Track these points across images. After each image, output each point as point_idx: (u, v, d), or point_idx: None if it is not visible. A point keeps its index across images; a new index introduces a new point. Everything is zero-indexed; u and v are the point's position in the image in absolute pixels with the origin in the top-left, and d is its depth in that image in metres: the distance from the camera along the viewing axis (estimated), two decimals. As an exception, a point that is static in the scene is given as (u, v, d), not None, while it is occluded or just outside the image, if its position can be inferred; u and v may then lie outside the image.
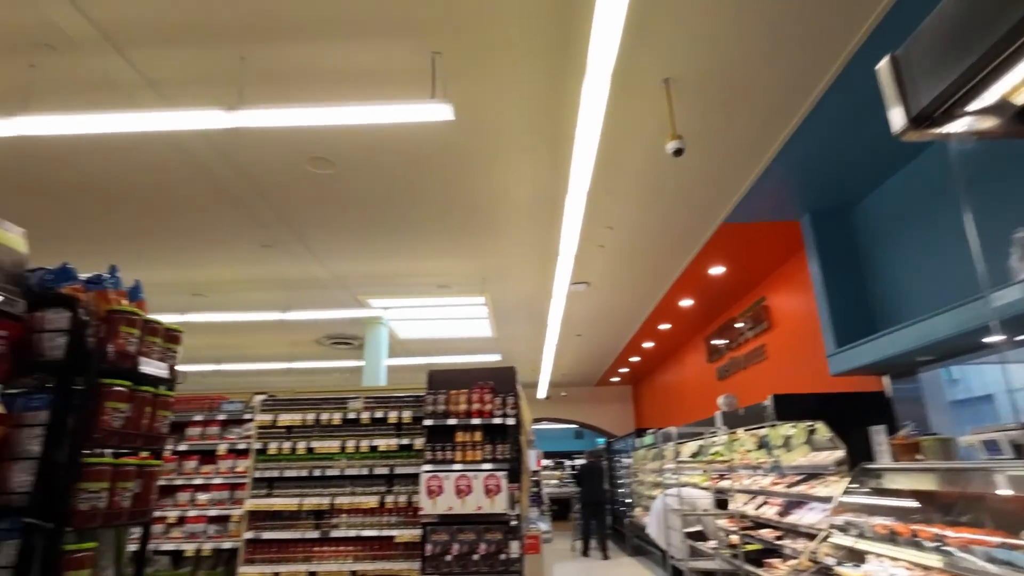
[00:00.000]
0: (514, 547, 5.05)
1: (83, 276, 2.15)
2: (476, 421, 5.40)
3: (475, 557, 4.98)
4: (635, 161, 5.97)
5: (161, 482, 5.80)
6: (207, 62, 4.46)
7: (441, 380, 5.70)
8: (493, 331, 12.58)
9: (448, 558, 4.99)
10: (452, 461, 5.29)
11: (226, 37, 4.22)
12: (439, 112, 4.30)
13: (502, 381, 5.64)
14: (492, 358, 15.22)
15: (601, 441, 28.01)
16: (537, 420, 20.18)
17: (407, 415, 5.76)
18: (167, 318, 2.46)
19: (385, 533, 5.45)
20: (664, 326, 12.47)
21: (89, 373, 1.93)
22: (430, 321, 11.86)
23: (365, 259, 8.55)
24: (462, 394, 5.52)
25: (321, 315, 10.18)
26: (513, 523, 5.08)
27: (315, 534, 5.49)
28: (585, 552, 11.73)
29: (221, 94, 4.67)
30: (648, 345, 14.27)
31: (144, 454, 2.27)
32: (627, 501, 13.18)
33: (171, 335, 2.36)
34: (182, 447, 5.89)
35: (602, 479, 12.45)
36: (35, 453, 1.82)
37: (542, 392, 18.74)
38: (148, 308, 2.25)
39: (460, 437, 5.40)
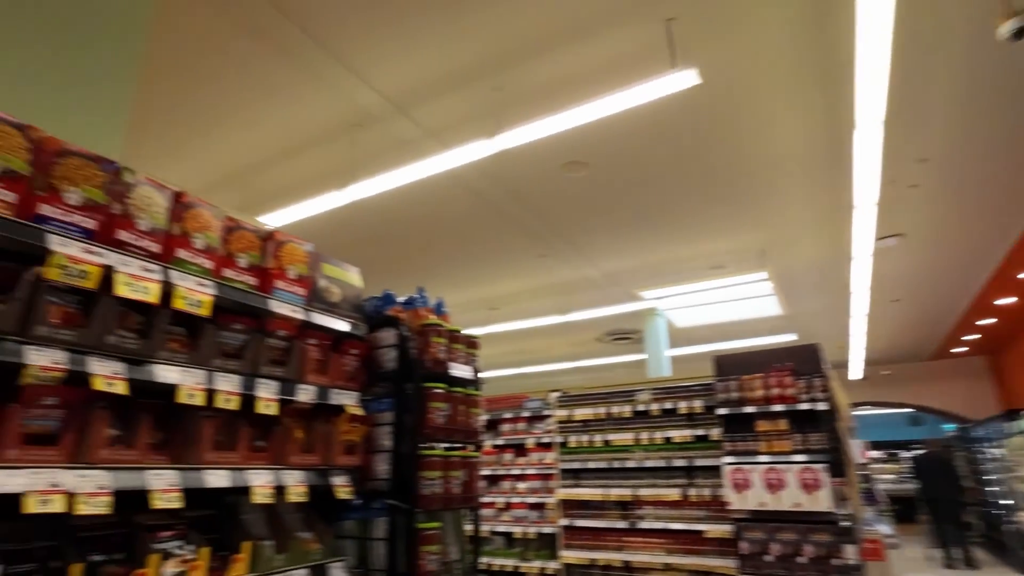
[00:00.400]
0: (849, 551, 4.34)
1: (400, 299, 2.62)
2: (778, 408, 4.84)
3: (801, 560, 4.44)
4: (949, 66, 4.66)
5: (486, 472, 6.68)
6: (469, 101, 5.03)
7: (730, 365, 5.28)
8: (783, 308, 11.27)
9: (768, 558, 4.56)
10: (756, 452, 4.84)
11: (481, 73, 4.70)
12: (684, 79, 4.03)
13: (804, 361, 4.95)
14: (786, 338, 13.65)
15: (949, 427, 22.59)
16: (856, 405, 17.29)
17: (698, 404, 5.50)
18: (473, 331, 2.80)
19: (693, 527, 5.27)
20: (1029, 274, 9.46)
21: (415, 379, 2.32)
22: (709, 306, 11.23)
23: (633, 252, 8.56)
24: (756, 379, 5.02)
25: (597, 313, 10.55)
26: (844, 523, 4.37)
27: (623, 524, 5.62)
28: (949, 564, 9.52)
29: (483, 125, 5.21)
30: (1007, 301, 10.99)
31: (466, 447, 2.63)
32: (1004, 502, 10.27)
33: (471, 342, 2.69)
34: (499, 441, 6.68)
35: (951, 472, 9.93)
36: (387, 447, 2.26)
37: (856, 372, 16.03)
38: (455, 323, 2.61)
39: (762, 426, 4.91)
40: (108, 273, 1.51)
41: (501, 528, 6.35)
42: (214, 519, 1.92)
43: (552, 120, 4.52)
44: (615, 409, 5.93)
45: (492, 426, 6.91)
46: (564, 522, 5.91)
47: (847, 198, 6.62)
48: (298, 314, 2.04)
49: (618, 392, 6.03)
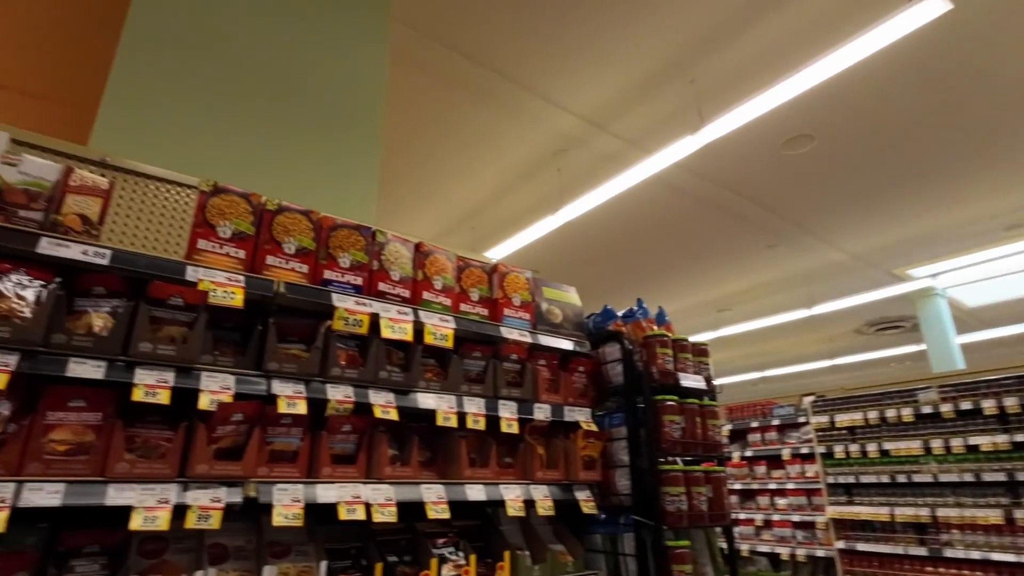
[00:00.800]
0: None
1: (619, 313, 2.62)
2: None
3: None
4: None
5: (736, 486, 6.21)
6: (665, 101, 4.88)
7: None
8: None
9: None
10: (1119, 463, 3.63)
11: (672, 72, 4.54)
12: (931, 8, 3.35)
13: None
14: None
15: None
16: None
17: (1011, 402, 4.36)
18: (701, 336, 2.67)
19: (1028, 559, 4.14)
20: None
21: (644, 392, 2.29)
22: (1008, 278, 8.90)
23: (887, 226, 7.25)
24: (1104, 365, 3.80)
25: (851, 302, 9.12)
26: None
27: (921, 551, 4.68)
28: None
29: (684, 122, 5.00)
30: None
31: (709, 461, 2.49)
32: None
33: (699, 349, 2.55)
34: (748, 453, 6.17)
35: None
36: (625, 461, 2.26)
37: None
38: (681, 331, 2.52)
39: (1122, 427, 3.68)
40: (374, 319, 1.82)
41: (763, 548, 5.81)
42: (478, 529, 2.14)
43: (766, 96, 4.11)
44: (890, 412, 5.04)
45: (737, 436, 6.42)
46: (840, 545, 5.17)
47: None
48: (526, 338, 2.18)
49: (892, 392, 5.12)
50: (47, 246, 1.39)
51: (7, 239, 1.35)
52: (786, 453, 5.79)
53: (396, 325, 1.83)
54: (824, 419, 5.49)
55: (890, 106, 4.91)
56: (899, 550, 4.80)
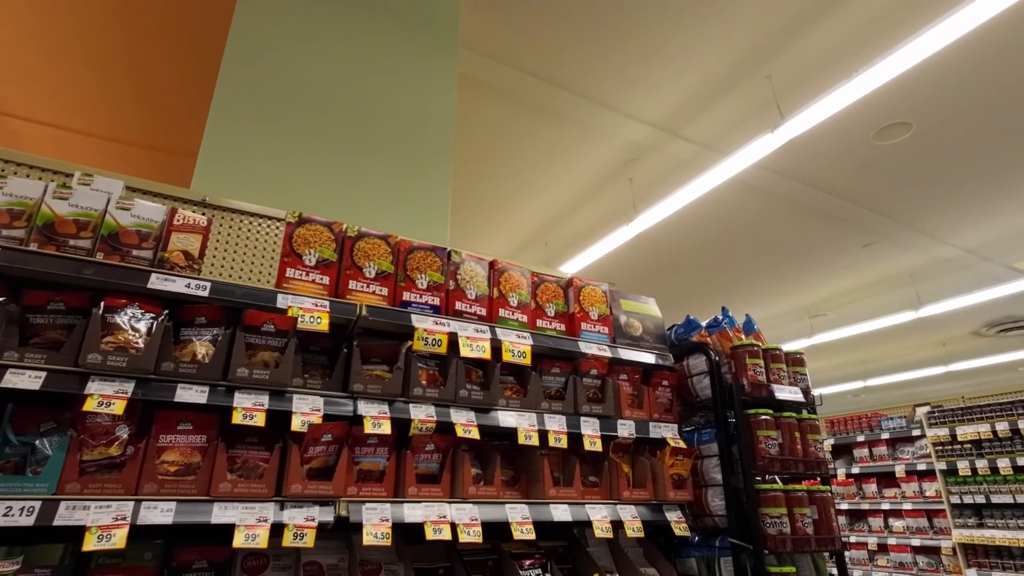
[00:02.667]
0: None
1: (703, 323, 2.49)
2: None
3: None
4: None
5: (843, 506, 5.73)
6: (740, 100, 4.68)
7: None
8: None
9: None
10: None
11: (744, 70, 4.36)
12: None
13: None
14: None
15: None
16: None
17: None
18: (794, 345, 2.50)
19: None
20: None
21: (735, 405, 2.15)
22: None
23: (1004, 214, 6.53)
24: None
25: (965, 301, 8.25)
26: None
27: (1075, 582, 4.09)
28: None
29: (761, 119, 4.77)
30: None
31: (811, 480, 2.29)
32: None
33: (794, 359, 2.37)
34: (855, 470, 5.69)
35: None
36: (718, 480, 2.12)
37: None
38: (772, 339, 2.37)
39: None
40: (453, 338, 1.83)
41: (879, 575, 5.30)
42: (565, 550, 2.08)
43: (852, 85, 3.82)
44: (1023, 423, 4.49)
45: (841, 452, 5.94)
46: (973, 573, 4.62)
47: None
48: (605, 352, 2.12)
49: (1021, 401, 4.57)
50: (156, 281, 1.51)
51: (124, 277, 1.48)
52: (900, 470, 5.28)
53: (474, 343, 1.83)
54: (943, 432, 4.97)
55: (996, 83, 4.45)
56: (1046, 581, 4.23)
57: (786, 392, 2.22)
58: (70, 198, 1.51)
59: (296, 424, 1.52)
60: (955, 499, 4.81)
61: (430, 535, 1.58)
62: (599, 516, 1.88)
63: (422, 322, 1.80)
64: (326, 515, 1.50)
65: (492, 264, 2.08)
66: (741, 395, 2.18)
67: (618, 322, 2.26)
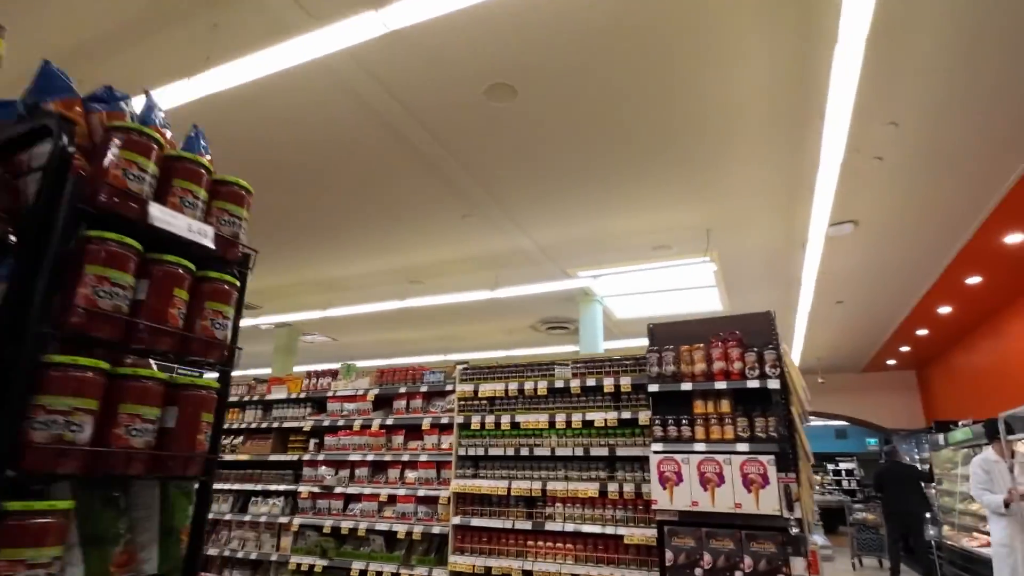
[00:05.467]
0: (798, 566, 3.45)
1: (80, 91, 1.44)
2: (721, 385, 3.92)
3: (739, 574, 3.51)
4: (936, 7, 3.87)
5: (370, 457, 5.50)
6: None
7: (667, 335, 4.36)
8: (723, 303, 10.62)
9: (698, 572, 3.61)
10: (692, 439, 3.90)
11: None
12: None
13: (755, 331, 4.07)
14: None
15: (872, 441, 22.98)
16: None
17: (625, 382, 4.53)
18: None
19: (610, 530, 4.29)
20: (973, 280, 9.14)
21: (59, 214, 1.16)
22: (647, 296, 10.44)
23: (569, 221, 7.54)
24: (697, 350, 4.10)
25: (528, 290, 9.50)
26: (794, 531, 3.48)
27: (527, 524, 4.57)
28: (895, 576, 9.07)
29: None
30: (944, 311, 10.74)
31: (192, 369, 1.48)
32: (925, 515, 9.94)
33: (228, 191, 1.44)
34: (389, 421, 5.52)
35: (914, 484, 9.40)
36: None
37: (791, 380, 15.75)
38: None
39: (700, 407, 3.99)
40: None
41: (382, 526, 5.18)
42: None
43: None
44: (528, 385, 4.89)
45: (383, 403, 5.74)
46: (456, 520, 4.81)
47: (806, 174, 5.87)
48: None
49: (534, 364, 5.00)
50: None
51: None
52: (426, 423, 5.29)
53: None
54: (469, 388, 5.14)
55: (600, 87, 4.77)
56: (508, 524, 4.63)
57: (179, 223, 1.34)
58: None
59: None
60: (462, 451, 4.98)
61: None
62: None
63: None
64: None
65: None
66: (90, 204, 1.21)
67: None
